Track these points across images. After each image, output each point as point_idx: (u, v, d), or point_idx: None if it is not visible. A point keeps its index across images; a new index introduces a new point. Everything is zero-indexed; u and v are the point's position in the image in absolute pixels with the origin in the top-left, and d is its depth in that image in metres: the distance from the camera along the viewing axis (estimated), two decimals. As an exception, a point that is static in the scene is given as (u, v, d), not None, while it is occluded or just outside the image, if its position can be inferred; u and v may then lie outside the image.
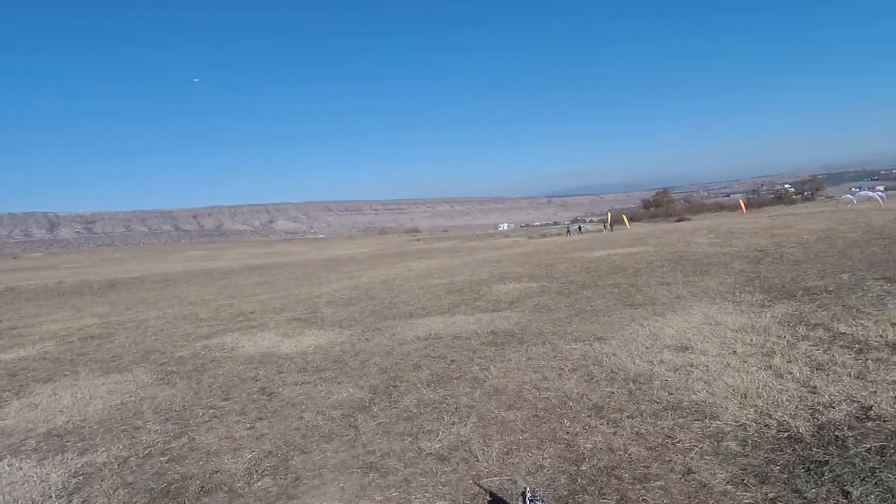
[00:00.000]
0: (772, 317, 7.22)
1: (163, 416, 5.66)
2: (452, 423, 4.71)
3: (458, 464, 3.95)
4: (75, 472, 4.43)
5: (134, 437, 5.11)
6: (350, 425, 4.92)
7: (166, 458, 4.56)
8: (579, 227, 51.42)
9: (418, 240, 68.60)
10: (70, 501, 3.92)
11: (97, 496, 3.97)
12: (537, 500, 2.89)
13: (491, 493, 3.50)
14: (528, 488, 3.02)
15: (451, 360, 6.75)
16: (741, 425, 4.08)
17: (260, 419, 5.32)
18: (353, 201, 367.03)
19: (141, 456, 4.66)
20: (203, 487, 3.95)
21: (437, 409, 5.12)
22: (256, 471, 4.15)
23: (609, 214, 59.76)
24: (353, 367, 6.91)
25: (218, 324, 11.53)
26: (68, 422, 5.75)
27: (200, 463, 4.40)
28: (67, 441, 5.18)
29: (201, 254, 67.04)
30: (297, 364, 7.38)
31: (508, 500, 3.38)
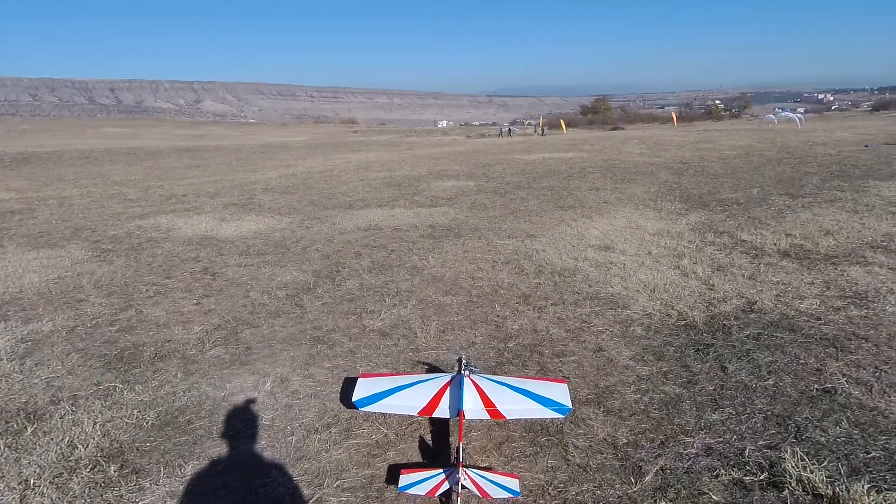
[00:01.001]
0: (686, 223, 7.91)
1: (105, 291, 5.74)
2: (393, 305, 5.10)
3: (398, 339, 4.36)
4: (22, 339, 4.53)
5: (78, 309, 5.21)
6: (296, 304, 5.21)
7: (115, 328, 4.72)
8: (509, 130, 51.27)
9: (355, 131, 66.71)
10: (23, 364, 4.07)
11: (49, 360, 4.13)
12: (471, 366, 3.33)
13: (428, 364, 3.95)
14: (463, 356, 3.46)
15: (392, 250, 7.07)
16: (647, 314, 4.67)
17: (206, 296, 5.52)
18: (287, 85, 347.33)
19: (89, 326, 4.80)
20: (157, 354, 4.19)
21: (378, 292, 5.48)
22: (208, 341, 4.41)
23: (541, 119, 60.07)
24: (296, 253, 7.12)
25: (150, 205, 11.26)
26: (4, 293, 5.73)
27: (151, 333, 4.61)
28: (7, 310, 5.21)
29: (122, 131, 62.56)
30: (237, 247, 7.49)
31: (443, 369, 3.83)
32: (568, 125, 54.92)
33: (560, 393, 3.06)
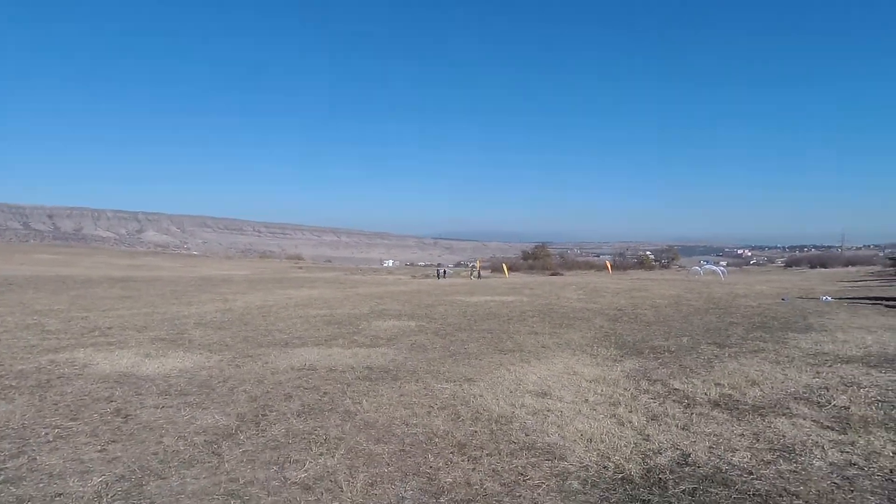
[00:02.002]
0: (621, 371, 8.03)
1: (-3, 434, 5.16)
2: (320, 454, 4.77)
3: (322, 493, 4.03)
4: None
5: (-40, 456, 4.62)
6: (213, 452, 4.81)
7: (0, 479, 4.18)
8: (444, 272, 52.41)
9: (301, 267, 66.85)
10: None
11: (-89, 519, 3.57)
12: None
13: None
14: None
15: (324, 392, 6.78)
16: (584, 466, 4.54)
17: (113, 441, 5.03)
18: (234, 219, 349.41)
19: (-31, 476, 4.24)
20: (43, 511, 3.70)
21: (305, 439, 5.15)
22: (106, 495, 3.94)
23: (477, 262, 62.40)
24: (221, 394, 6.71)
25: (68, 337, 10.59)
26: None
27: (41, 485, 4.09)
28: None
29: (54, 258, 60.40)
30: (158, 386, 7.01)
31: None
32: (510, 269, 56.96)
33: None
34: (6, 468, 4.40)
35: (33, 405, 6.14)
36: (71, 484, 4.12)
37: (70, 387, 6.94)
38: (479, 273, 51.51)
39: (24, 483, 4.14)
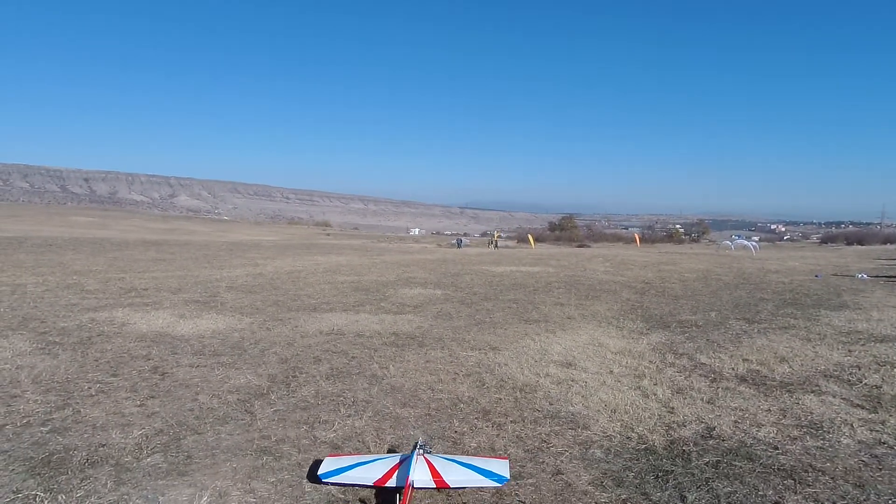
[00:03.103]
0: (647, 343, 8.01)
1: (43, 387, 5.42)
2: (348, 416, 4.92)
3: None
4: (-59, 437, 4.19)
5: (10, 406, 4.88)
6: (246, 410, 4.99)
7: (48, 429, 4.41)
8: (461, 241, 52.47)
9: (328, 234, 67.40)
10: (-64, 466, 3.73)
11: (-33, 462, 3.80)
12: (426, 447, 3.82)
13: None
14: (420, 438, 3.96)
15: (352, 357, 6.93)
16: (607, 436, 4.59)
17: (151, 397, 5.25)
18: (264, 185, 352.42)
19: (19, 425, 4.48)
20: (88, 459, 3.90)
21: (334, 401, 5.30)
22: (146, 447, 4.14)
23: (496, 232, 62.38)
24: (253, 355, 6.91)
25: (107, 297, 10.95)
26: (-68, 385, 5.37)
27: (85, 436, 4.31)
28: (-69, 404, 4.85)
29: (91, 220, 61.97)
30: (193, 346, 7.25)
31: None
32: (536, 240, 56.64)
33: (500, 467, 3.68)
34: (53, 419, 4.64)
35: (76, 360, 6.42)
36: (113, 436, 4.33)
37: (110, 344, 7.22)
38: (496, 244, 51.52)
39: (70, 433, 4.36)
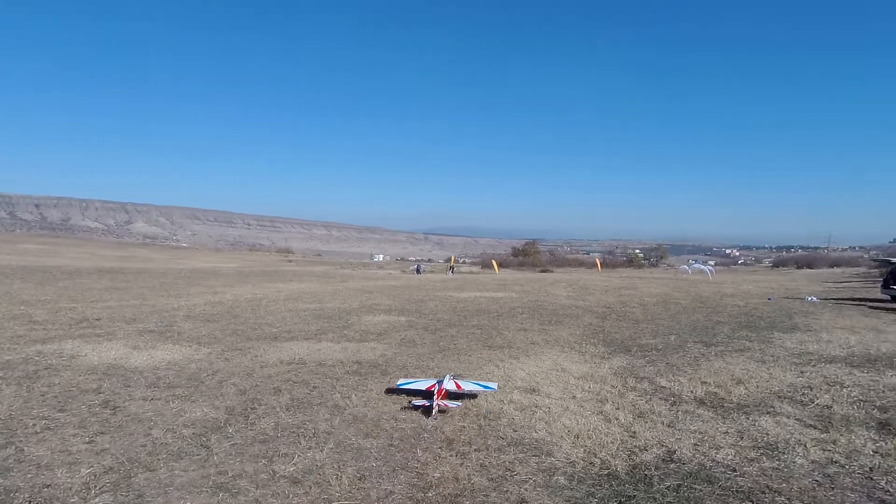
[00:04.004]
0: (609, 368, 8.10)
1: (-17, 425, 5.12)
2: (309, 448, 4.79)
3: (310, 487, 4.05)
4: None
5: (-54, 446, 4.59)
6: (202, 445, 4.81)
7: (-14, 471, 4.16)
8: (418, 268, 53.54)
9: (290, 261, 66.52)
10: None
11: None
12: (455, 375, 6.92)
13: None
14: (451, 373, 7.04)
15: (314, 387, 6.79)
16: (571, 462, 4.59)
17: (101, 433, 5.01)
18: (224, 212, 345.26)
19: (-46, 467, 4.21)
20: (31, 502, 3.68)
21: (294, 433, 5.16)
22: (94, 486, 3.93)
23: (452, 257, 63.48)
24: (210, 387, 6.70)
25: (56, 328, 10.51)
26: None
27: (29, 476, 4.08)
28: None
29: (41, 248, 59.69)
30: (147, 379, 6.99)
31: None
32: (500, 265, 57.08)
33: (492, 385, 6.49)
34: (-8, 459, 4.37)
35: (21, 396, 6.10)
36: (59, 475, 4.11)
37: (58, 378, 6.90)
38: (453, 268, 52.35)
39: (12, 474, 4.12)
